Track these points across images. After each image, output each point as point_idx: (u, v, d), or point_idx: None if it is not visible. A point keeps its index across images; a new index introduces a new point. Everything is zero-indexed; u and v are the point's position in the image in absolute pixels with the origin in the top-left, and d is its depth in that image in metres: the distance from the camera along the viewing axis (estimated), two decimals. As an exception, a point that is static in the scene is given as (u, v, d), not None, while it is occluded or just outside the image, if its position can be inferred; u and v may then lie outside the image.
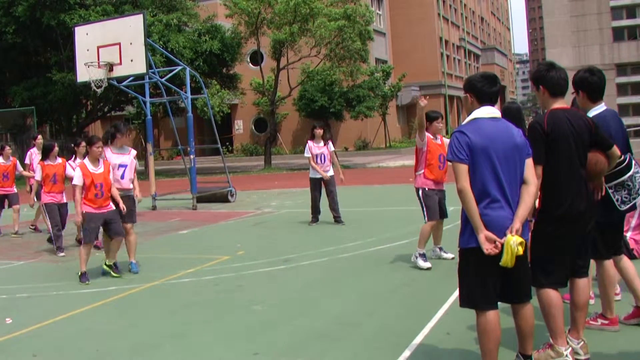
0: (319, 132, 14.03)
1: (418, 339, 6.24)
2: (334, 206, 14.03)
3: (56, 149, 12.49)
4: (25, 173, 14.78)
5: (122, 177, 10.24)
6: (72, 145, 13.23)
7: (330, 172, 13.98)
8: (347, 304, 7.75)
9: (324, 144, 13.97)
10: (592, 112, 5.89)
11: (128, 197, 10.29)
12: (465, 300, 4.92)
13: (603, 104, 6.00)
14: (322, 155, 13.91)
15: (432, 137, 9.61)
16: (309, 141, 14.01)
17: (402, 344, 6.11)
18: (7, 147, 14.78)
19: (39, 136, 15.36)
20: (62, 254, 12.04)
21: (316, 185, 14.04)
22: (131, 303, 8.43)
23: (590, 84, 5.94)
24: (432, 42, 62.18)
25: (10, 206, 14.56)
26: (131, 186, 10.39)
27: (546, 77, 5.38)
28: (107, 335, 7.02)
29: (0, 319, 7.89)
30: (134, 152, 10.64)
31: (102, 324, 7.49)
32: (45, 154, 12.35)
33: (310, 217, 14.13)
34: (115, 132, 10.36)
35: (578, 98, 6.06)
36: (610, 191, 5.80)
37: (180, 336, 6.81)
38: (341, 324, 6.91)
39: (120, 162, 10.27)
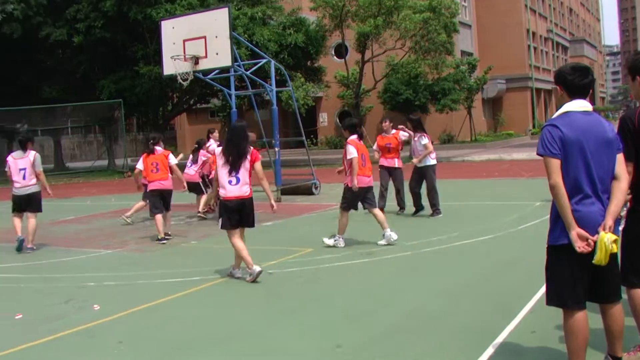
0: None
1: (502, 337, 6.10)
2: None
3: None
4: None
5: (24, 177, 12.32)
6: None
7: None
8: (429, 298, 7.66)
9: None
10: None
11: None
12: (553, 299, 4.76)
13: None
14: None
15: None
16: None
17: (485, 341, 5.98)
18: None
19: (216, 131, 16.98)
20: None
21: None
22: (214, 293, 8.52)
23: None
24: (518, 34, 60.97)
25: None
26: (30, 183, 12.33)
27: None
28: (191, 324, 7.11)
29: (88, 305, 8.10)
30: (31, 154, 12.42)
31: (186, 313, 7.59)
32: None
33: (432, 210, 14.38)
34: (28, 141, 12.69)
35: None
36: None
37: (262, 327, 6.84)
38: (423, 319, 6.83)
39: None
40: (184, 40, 17.13)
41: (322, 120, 52.64)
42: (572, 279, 4.61)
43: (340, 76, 41.12)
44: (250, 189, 8.98)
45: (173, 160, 13.14)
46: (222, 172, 8.85)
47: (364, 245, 10.99)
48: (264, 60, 20.60)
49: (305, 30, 35.82)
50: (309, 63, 38.45)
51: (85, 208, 20.05)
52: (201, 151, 15.62)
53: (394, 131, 14.49)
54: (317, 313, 7.28)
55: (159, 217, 12.62)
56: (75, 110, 40.50)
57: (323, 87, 40.55)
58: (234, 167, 8.78)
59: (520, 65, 60.69)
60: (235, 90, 21.53)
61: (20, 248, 12.18)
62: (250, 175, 8.94)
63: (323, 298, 7.88)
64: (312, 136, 49.74)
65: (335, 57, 47.49)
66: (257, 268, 8.80)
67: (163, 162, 12.90)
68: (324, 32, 36.64)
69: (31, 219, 12.36)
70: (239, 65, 18.83)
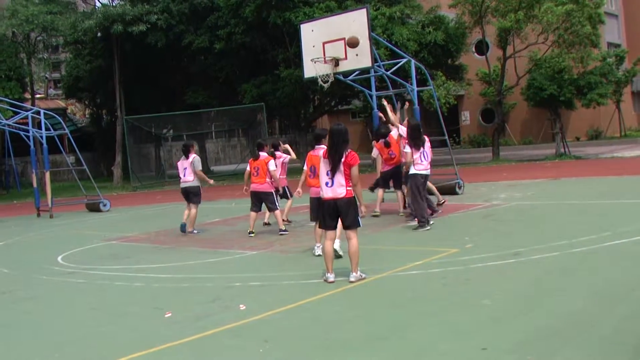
0: None
1: (660, 346, 5.71)
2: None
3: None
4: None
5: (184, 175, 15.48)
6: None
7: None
8: (580, 301, 7.29)
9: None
10: None
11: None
12: None
13: None
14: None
15: None
16: None
17: (641, 349, 5.63)
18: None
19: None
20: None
21: None
22: (359, 294, 8.47)
23: None
24: (671, 23, 58.13)
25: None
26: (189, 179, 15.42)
27: None
28: (336, 324, 7.09)
29: (234, 305, 8.25)
30: (191, 157, 15.51)
31: (331, 313, 7.58)
32: None
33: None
34: (189, 147, 15.77)
35: None
36: None
37: (407, 328, 6.75)
38: (574, 322, 6.51)
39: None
40: (324, 43, 17.19)
41: (464, 119, 51.95)
42: None
43: (481, 73, 40.35)
44: (347, 190, 9.10)
45: (272, 166, 14.40)
46: (322, 174, 9.27)
47: (508, 247, 10.68)
48: (404, 60, 20.46)
49: (444, 28, 35.46)
50: (449, 61, 38.06)
51: (230, 210, 20.52)
52: (277, 153, 15.71)
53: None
54: (462, 314, 7.09)
55: (252, 214, 14.54)
56: (218, 114, 41.69)
57: (465, 85, 39.98)
58: (332, 169, 9.10)
59: (673, 56, 57.78)
60: (376, 90, 21.47)
61: (183, 230, 15.54)
62: (346, 177, 9.09)
63: (468, 299, 7.69)
64: (454, 135, 49.13)
65: (476, 54, 46.77)
66: (330, 276, 9.17)
67: (263, 167, 14.37)
68: (463, 29, 36.16)
69: (192, 209, 15.50)
70: (379, 66, 18.76)
